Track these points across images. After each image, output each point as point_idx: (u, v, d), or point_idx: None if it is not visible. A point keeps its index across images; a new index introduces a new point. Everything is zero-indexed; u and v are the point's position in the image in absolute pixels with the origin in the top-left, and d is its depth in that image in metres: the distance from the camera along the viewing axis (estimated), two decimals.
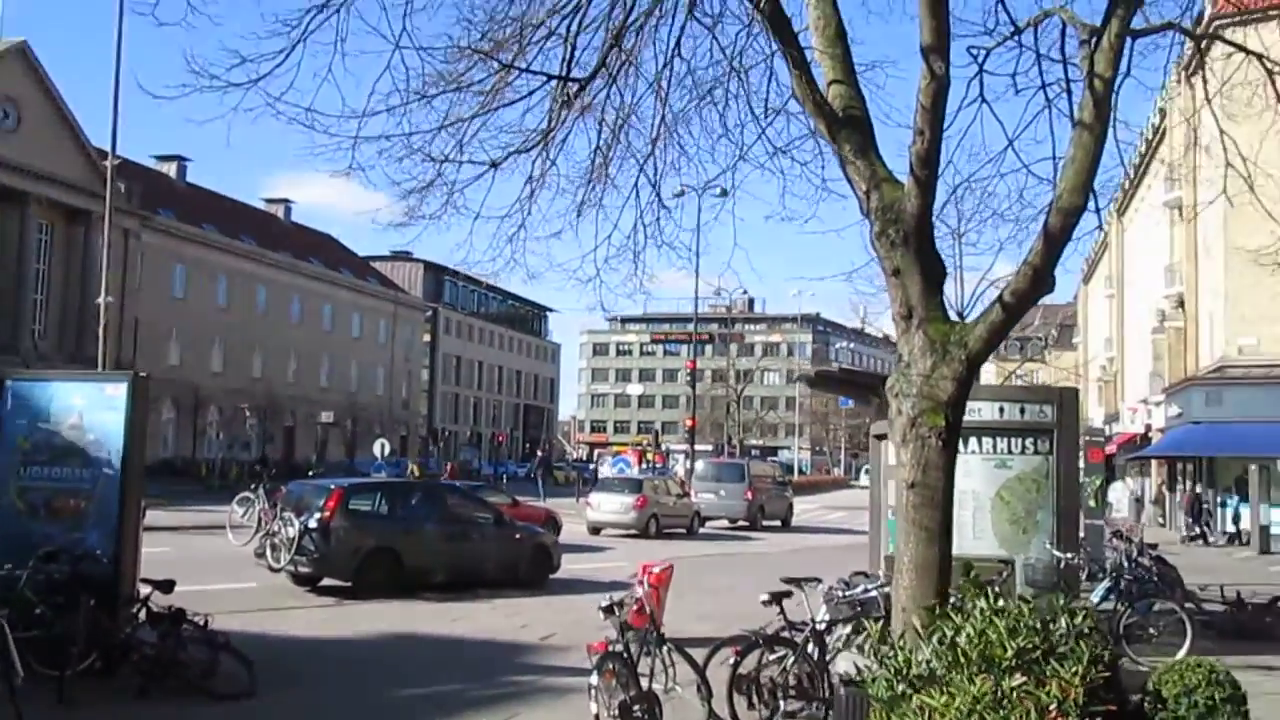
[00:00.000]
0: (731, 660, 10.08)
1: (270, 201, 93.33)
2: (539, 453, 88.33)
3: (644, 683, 9.35)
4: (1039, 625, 5.04)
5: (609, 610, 9.51)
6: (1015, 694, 4.28)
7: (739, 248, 28.62)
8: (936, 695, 4.38)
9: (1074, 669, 4.72)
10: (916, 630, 5.82)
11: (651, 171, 11.07)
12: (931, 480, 9.08)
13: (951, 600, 8.77)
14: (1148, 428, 51.86)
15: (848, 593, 12.13)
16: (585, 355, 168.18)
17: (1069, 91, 10.15)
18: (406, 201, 10.51)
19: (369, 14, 44.69)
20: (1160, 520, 49.08)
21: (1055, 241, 9.15)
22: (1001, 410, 15.12)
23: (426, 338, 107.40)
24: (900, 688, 5.31)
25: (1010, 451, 15.10)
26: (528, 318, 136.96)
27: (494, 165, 10.48)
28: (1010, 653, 4.85)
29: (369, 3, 9.88)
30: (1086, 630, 5.27)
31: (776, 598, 10.68)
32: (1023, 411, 15.28)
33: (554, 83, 10.20)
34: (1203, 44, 10.86)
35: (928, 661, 5.18)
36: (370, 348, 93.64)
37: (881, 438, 16.82)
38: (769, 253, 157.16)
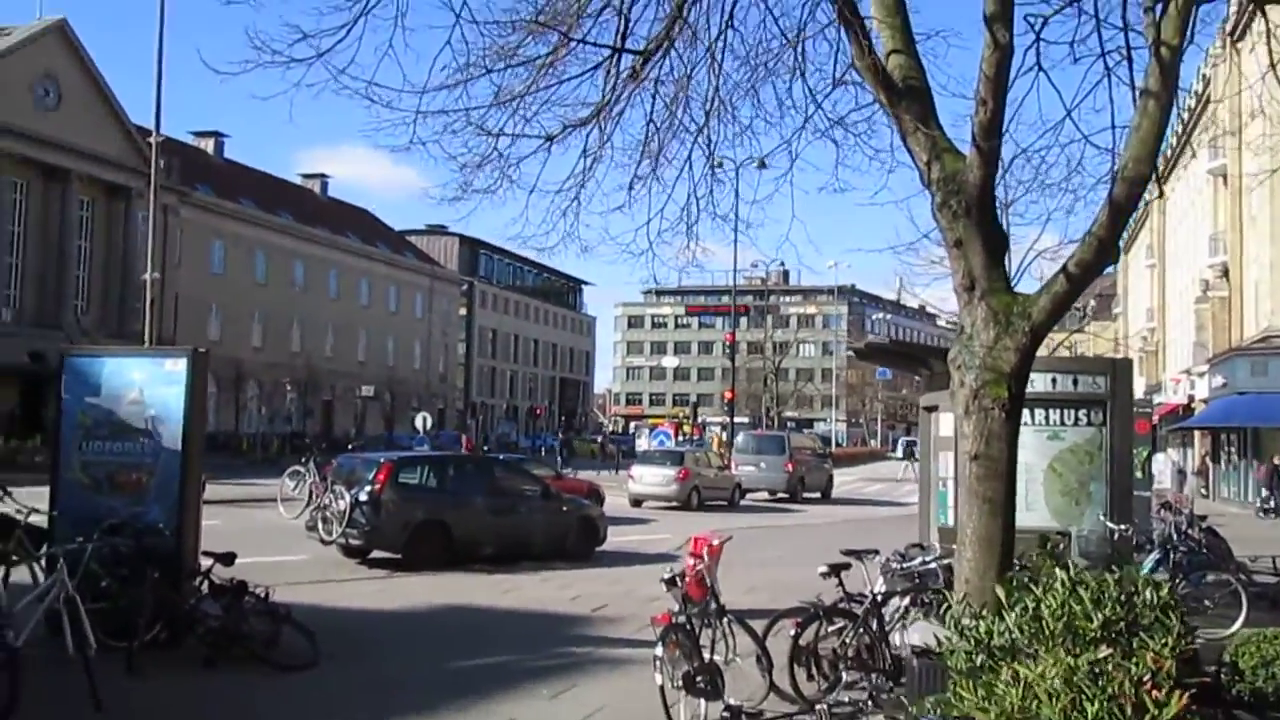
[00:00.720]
0: (792, 632, 10.12)
1: (307, 177, 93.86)
2: (559, 434, 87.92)
3: (705, 654, 9.40)
4: (1123, 597, 5.05)
5: (671, 583, 9.56)
6: (1108, 666, 4.28)
7: (798, 220, 28.50)
8: (1032, 666, 4.38)
9: (1163, 640, 4.72)
10: (1000, 601, 5.82)
11: (706, 144, 11.04)
12: (995, 452, 9.07)
13: (1014, 571, 8.77)
14: (1191, 398, 51.45)
15: (905, 565, 12.13)
16: (620, 328, 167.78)
17: (1130, 59, 10.03)
18: (462, 175, 10.54)
19: None
20: (1203, 491, 48.76)
21: (1121, 211, 9.08)
22: (1054, 381, 15.01)
23: (462, 311, 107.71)
24: (980, 659, 5.32)
25: (1063, 423, 15.01)
26: (563, 291, 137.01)
27: (550, 139, 10.49)
28: (1096, 624, 4.84)
29: None
30: (1172, 602, 5.26)
31: (835, 569, 10.70)
32: (1075, 383, 15.17)
33: (610, 56, 10.20)
34: (1266, 6, 10.69)
35: (1009, 632, 5.19)
36: (407, 322, 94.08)
37: (932, 409, 16.75)
38: (812, 223, 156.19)
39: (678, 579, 9.58)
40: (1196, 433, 51.81)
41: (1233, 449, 45.94)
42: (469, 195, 10.69)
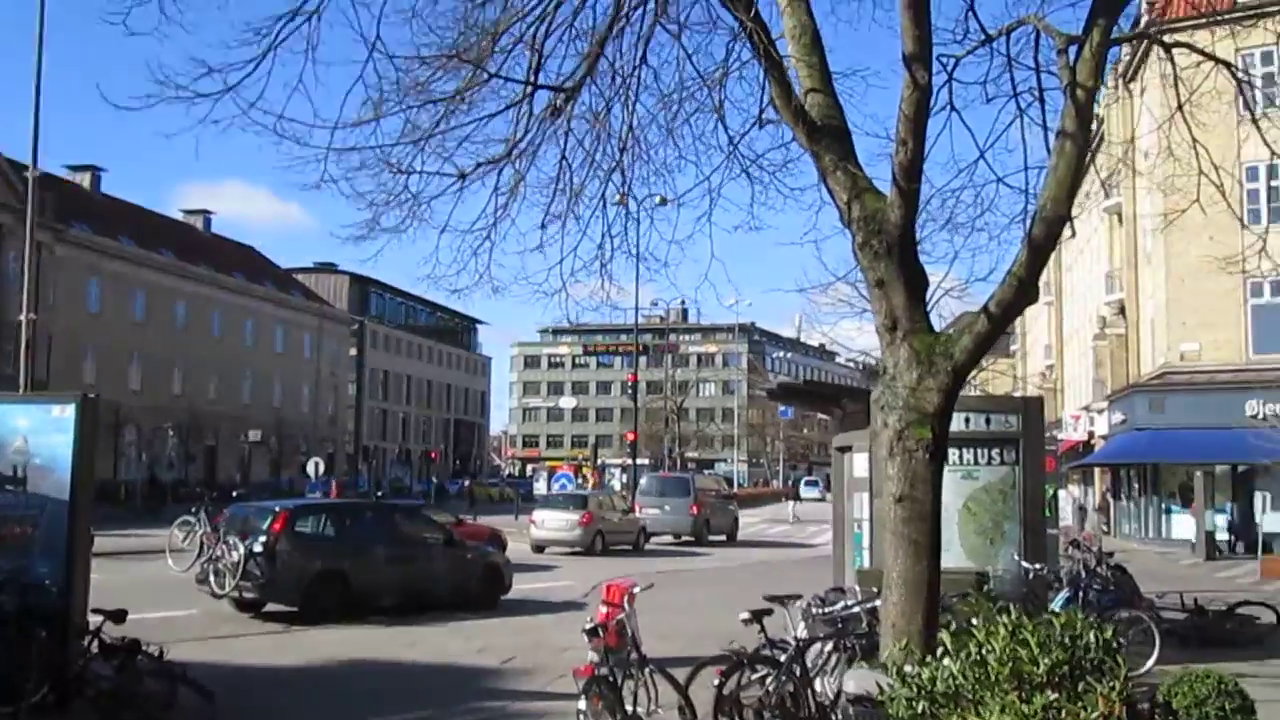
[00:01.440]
0: (715, 681, 10.09)
1: (188, 213, 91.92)
2: (466, 481, 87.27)
3: (628, 706, 9.34)
4: (1068, 640, 5.11)
5: (592, 633, 9.49)
6: (1052, 711, 4.33)
7: (717, 260, 28.69)
8: (979, 713, 4.39)
9: (1110, 684, 4.80)
10: (927, 645, 5.87)
11: (621, 181, 11.08)
12: (919, 494, 9.20)
13: (946, 618, 8.88)
14: (1091, 435, 52.76)
15: (827, 609, 12.19)
16: (516, 369, 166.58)
17: (1042, 100, 10.33)
18: (371, 213, 10.41)
19: (341, 23, 44.26)
20: (1104, 528, 49.99)
21: (1041, 251, 9.32)
22: (968, 420, 15.30)
23: (353, 352, 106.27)
24: (922, 705, 5.34)
25: (976, 462, 15.31)
26: (457, 330, 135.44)
27: (463, 177, 10.45)
28: (1042, 669, 4.90)
29: (340, 11, 9.82)
30: (1116, 644, 5.35)
31: (757, 615, 10.71)
32: (988, 421, 15.50)
33: (525, 92, 10.20)
34: (1172, 50, 11.10)
35: (953, 679, 5.22)
36: (295, 363, 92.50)
37: (845, 450, 16.96)
38: (730, 262, 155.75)
39: (599, 629, 9.52)
40: (1096, 469, 53.14)
41: (1134, 485, 47.17)
42: (375, 235, 10.58)
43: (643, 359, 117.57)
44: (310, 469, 54.21)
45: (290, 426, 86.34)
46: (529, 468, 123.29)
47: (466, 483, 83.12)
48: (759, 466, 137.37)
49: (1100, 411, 49.61)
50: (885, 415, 9.47)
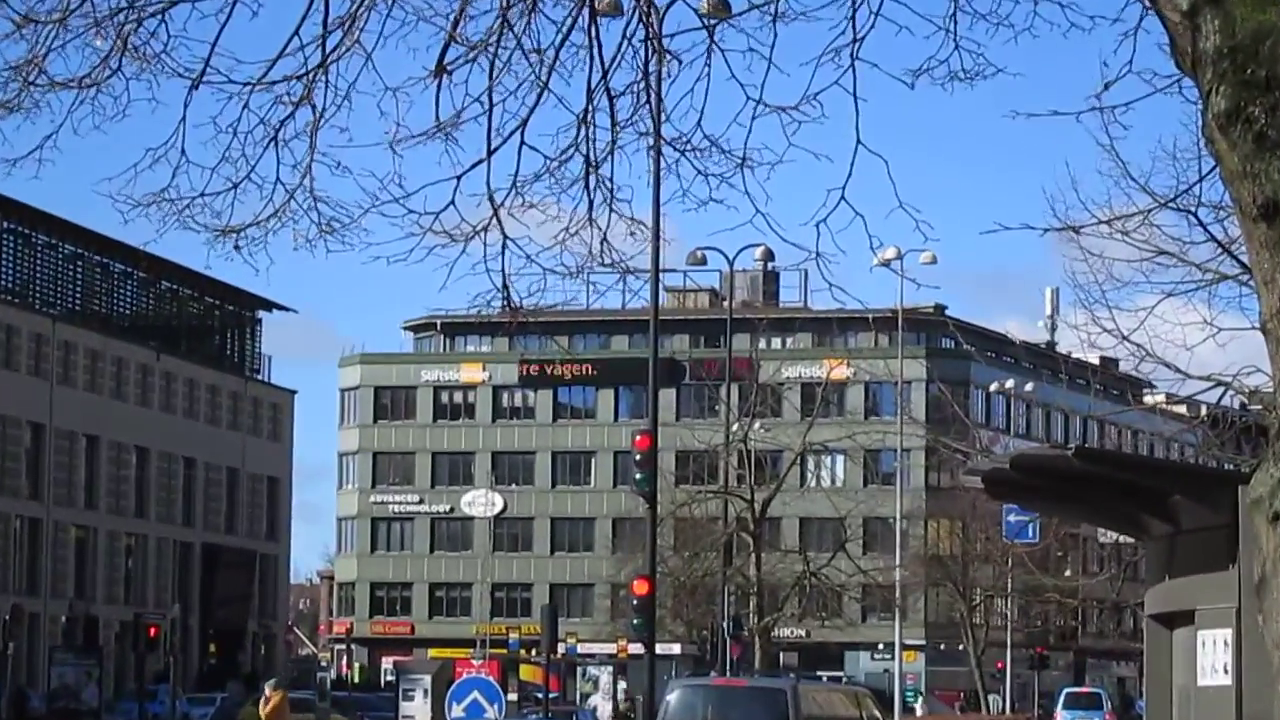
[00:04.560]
0: None
1: None
2: (222, 696, 50.11)
3: None
4: None
5: None
6: None
7: (867, 150, 18.62)
8: None
9: None
10: None
11: None
12: None
13: None
14: None
15: None
16: (356, 416, 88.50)
17: None
18: None
19: None
20: None
21: None
22: None
23: None
24: None
25: None
26: (210, 327, 75.76)
27: None
28: None
29: None
30: None
31: None
32: None
33: None
34: None
35: None
36: None
37: (1175, 622, 9.33)
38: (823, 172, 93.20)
39: None
40: None
41: None
42: None
43: (673, 393, 71.86)
44: None
45: None
46: (386, 666, 71.84)
47: (222, 699, 48.97)
48: (950, 653, 73.44)
49: None
50: None
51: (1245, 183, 4.98)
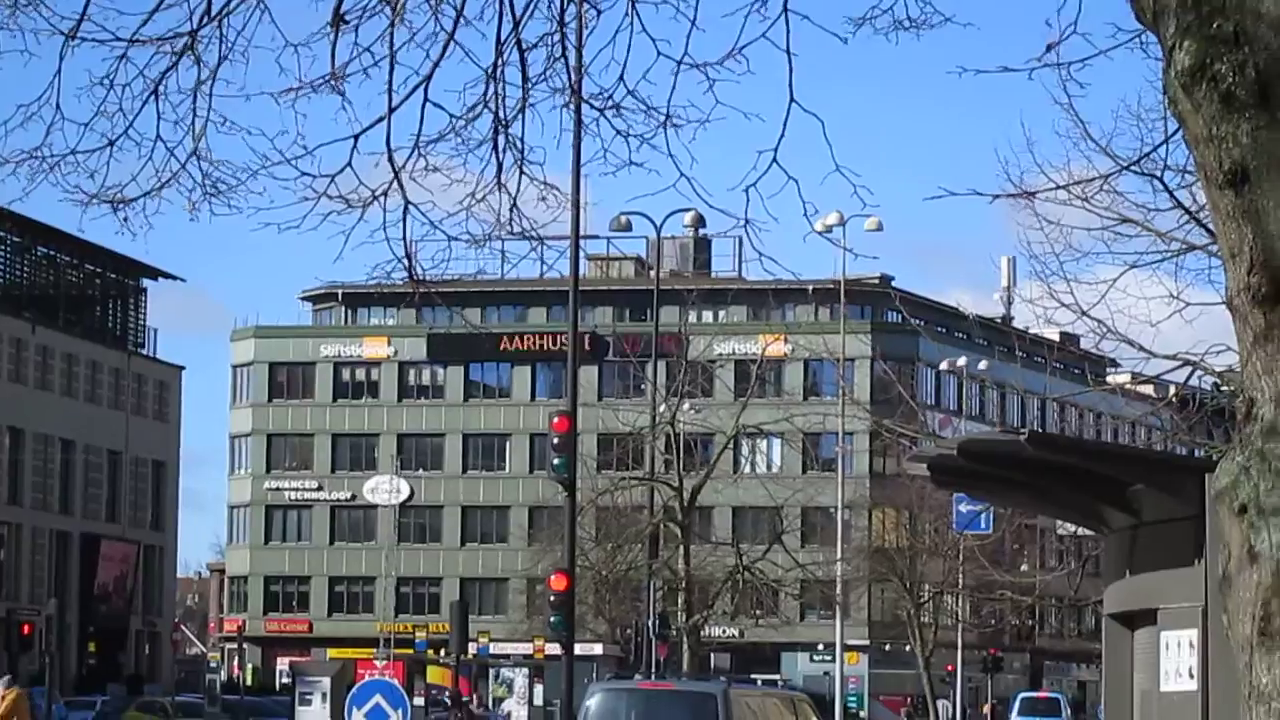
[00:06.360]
0: None
1: None
2: (102, 699, 49.64)
3: None
4: None
5: None
6: None
7: (800, 109, 18.40)
8: None
9: None
10: None
11: None
12: None
13: None
14: None
15: None
16: (249, 395, 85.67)
17: None
18: None
19: None
20: None
21: None
22: None
23: None
24: None
25: None
26: (85, 298, 72.61)
27: None
28: None
29: None
30: None
31: None
32: None
33: None
34: None
35: None
36: None
37: (1134, 622, 9.31)
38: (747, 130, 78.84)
39: None
40: None
41: None
42: None
43: (594, 371, 71.94)
44: None
45: None
46: (281, 667, 69.83)
47: (102, 702, 49.26)
48: (896, 654, 75.10)
49: None
50: (1255, 527, 4.54)
51: (1210, 147, 5.06)
